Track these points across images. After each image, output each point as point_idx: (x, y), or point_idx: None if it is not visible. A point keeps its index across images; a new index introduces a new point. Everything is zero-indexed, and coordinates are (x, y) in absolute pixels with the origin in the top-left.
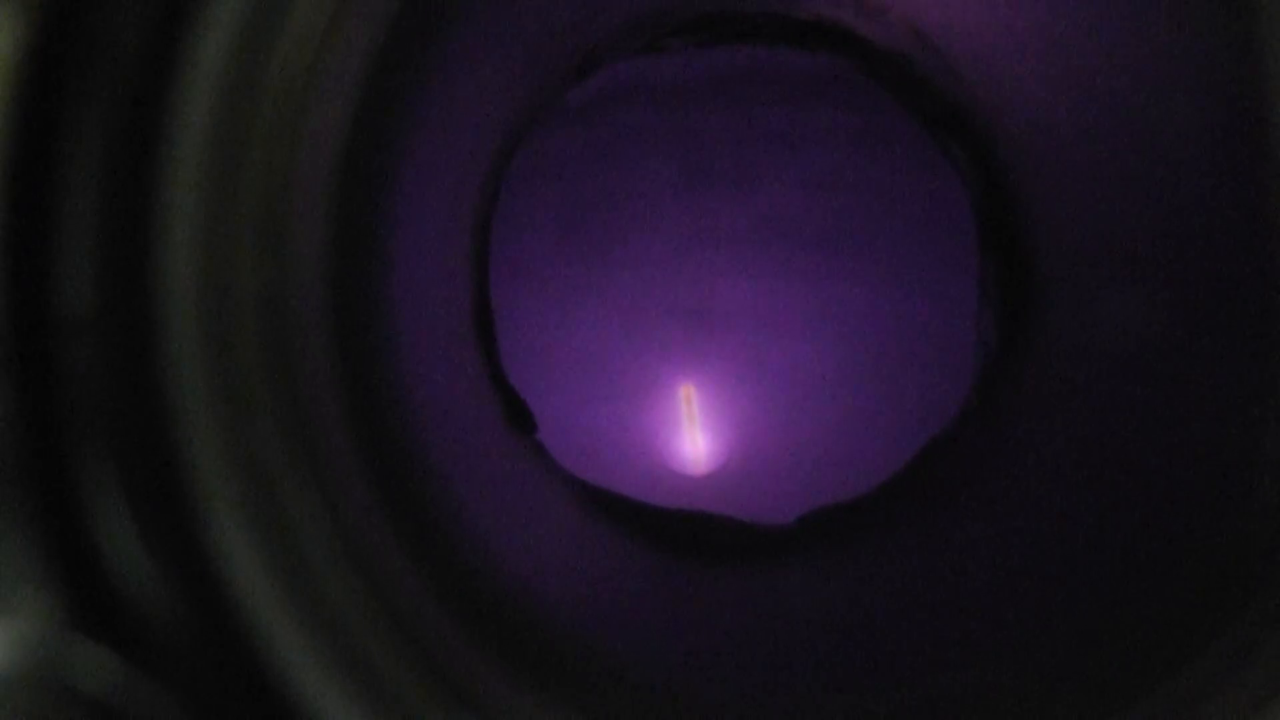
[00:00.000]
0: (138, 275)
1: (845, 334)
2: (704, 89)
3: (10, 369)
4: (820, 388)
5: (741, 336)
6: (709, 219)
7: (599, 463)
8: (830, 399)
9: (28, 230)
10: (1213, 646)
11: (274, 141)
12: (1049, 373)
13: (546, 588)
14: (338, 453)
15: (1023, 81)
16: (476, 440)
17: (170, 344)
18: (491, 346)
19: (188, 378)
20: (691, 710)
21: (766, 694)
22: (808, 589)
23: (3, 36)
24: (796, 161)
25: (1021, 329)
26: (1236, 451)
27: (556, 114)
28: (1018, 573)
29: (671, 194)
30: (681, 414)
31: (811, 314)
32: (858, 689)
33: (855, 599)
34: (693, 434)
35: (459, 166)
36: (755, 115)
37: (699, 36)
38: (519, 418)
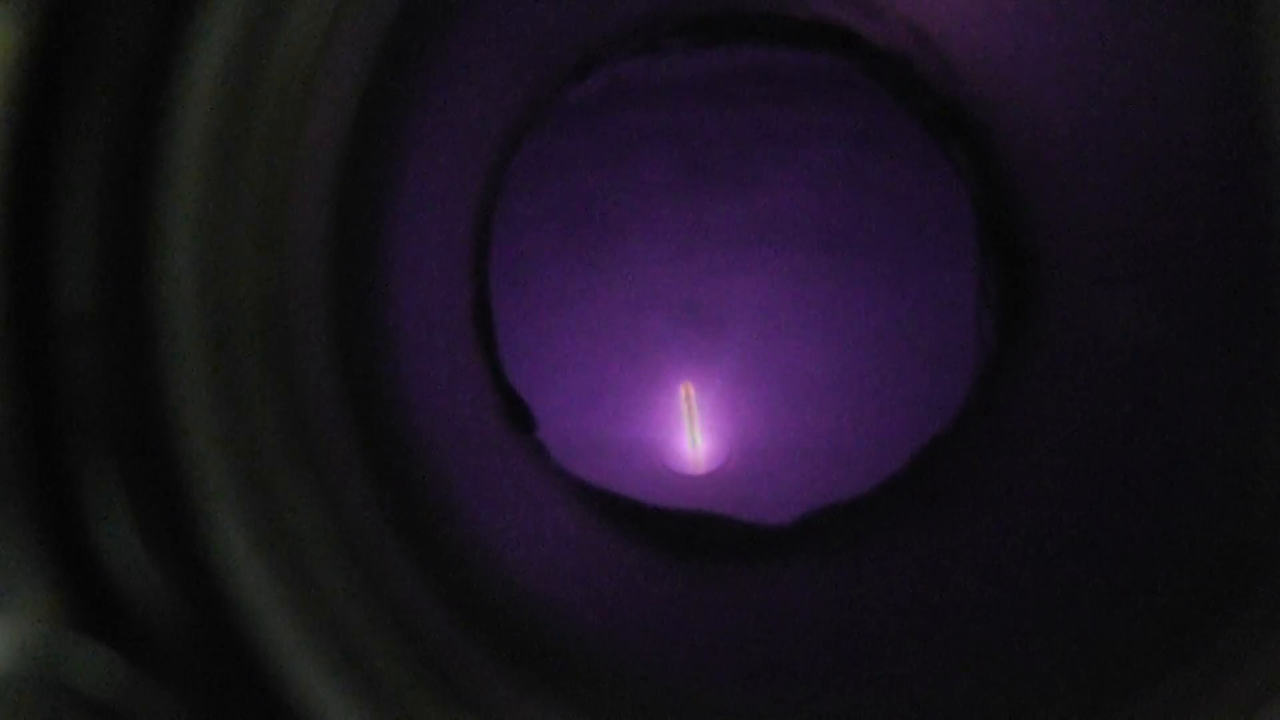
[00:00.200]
0: (137, 275)
1: (844, 333)
2: (704, 89)
3: (9, 368)
4: (819, 387)
5: (741, 336)
6: (708, 218)
7: (598, 462)
8: (829, 398)
9: (27, 230)
10: (1212, 646)
11: (274, 141)
12: (1048, 372)
13: (546, 587)
14: (338, 452)
15: (1022, 81)
16: (476, 439)
17: (170, 343)
18: (491, 345)
19: (187, 377)
20: (690, 709)
21: (766, 693)
22: (806, 588)
23: (2, 36)
24: (796, 161)
25: (1021, 328)
26: (1236, 451)
27: (557, 114)
28: (1017, 572)
29: (671, 194)
30: (681, 413)
31: (811, 313)
32: (857, 688)
33: (854, 599)
34: (692, 433)
35: (459, 166)
36: (755, 115)
37: (699, 36)
38: (519, 417)
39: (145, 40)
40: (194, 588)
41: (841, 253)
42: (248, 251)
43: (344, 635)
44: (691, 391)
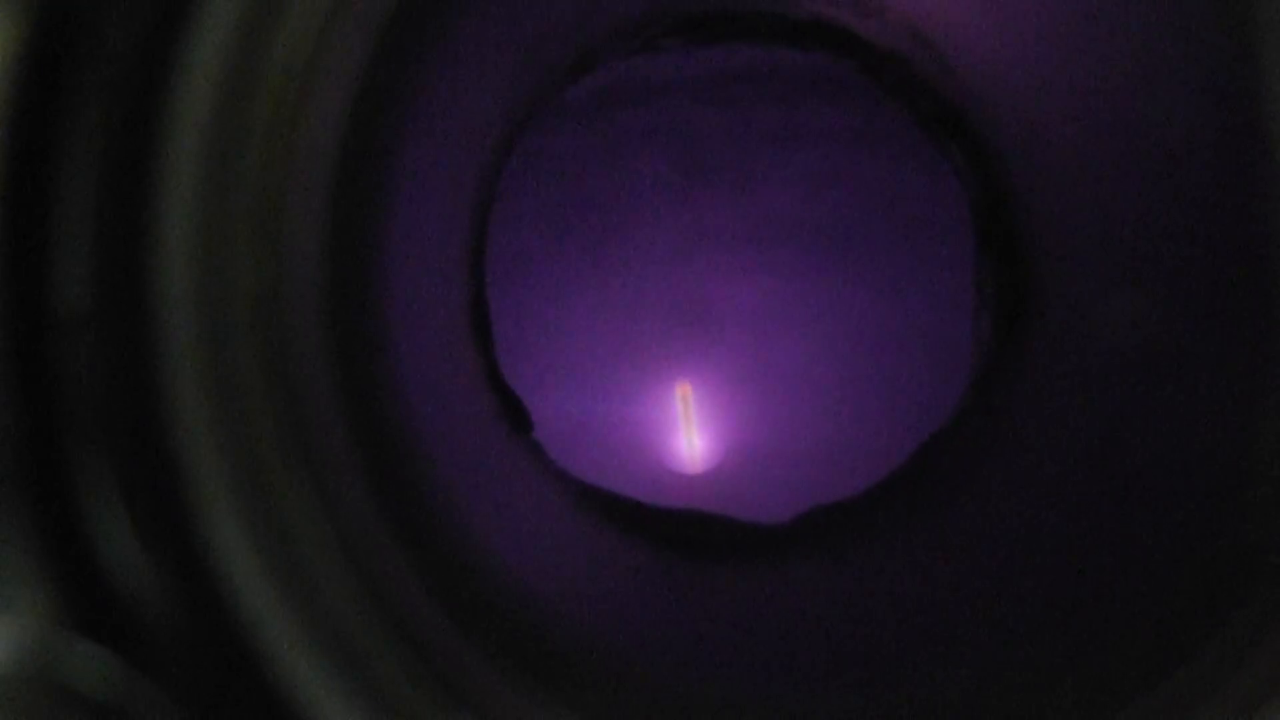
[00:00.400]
0: (134, 274)
1: (842, 333)
2: (701, 88)
3: (7, 368)
4: (817, 386)
5: (738, 335)
6: (705, 218)
7: (595, 461)
8: (827, 398)
9: (25, 229)
10: (1211, 646)
11: (270, 140)
12: (1046, 371)
13: (543, 586)
14: (334, 451)
15: (1020, 81)
16: (473, 439)
17: (167, 342)
18: (488, 345)
19: (184, 376)
20: (689, 709)
21: (765, 692)
22: (805, 588)
23: (1, 35)
24: (793, 161)
25: (1019, 328)
26: (1235, 451)
27: (553, 113)
28: (1015, 571)
29: (668, 193)
30: (678, 413)
31: (808, 313)
32: (856, 687)
33: (852, 598)
34: (689, 433)
35: (456, 165)
36: (752, 115)
37: (696, 36)
38: (515, 416)
39: (142, 40)
40: (190, 586)
41: (839, 253)
42: (244, 251)
43: (341, 635)
44: (689, 391)
